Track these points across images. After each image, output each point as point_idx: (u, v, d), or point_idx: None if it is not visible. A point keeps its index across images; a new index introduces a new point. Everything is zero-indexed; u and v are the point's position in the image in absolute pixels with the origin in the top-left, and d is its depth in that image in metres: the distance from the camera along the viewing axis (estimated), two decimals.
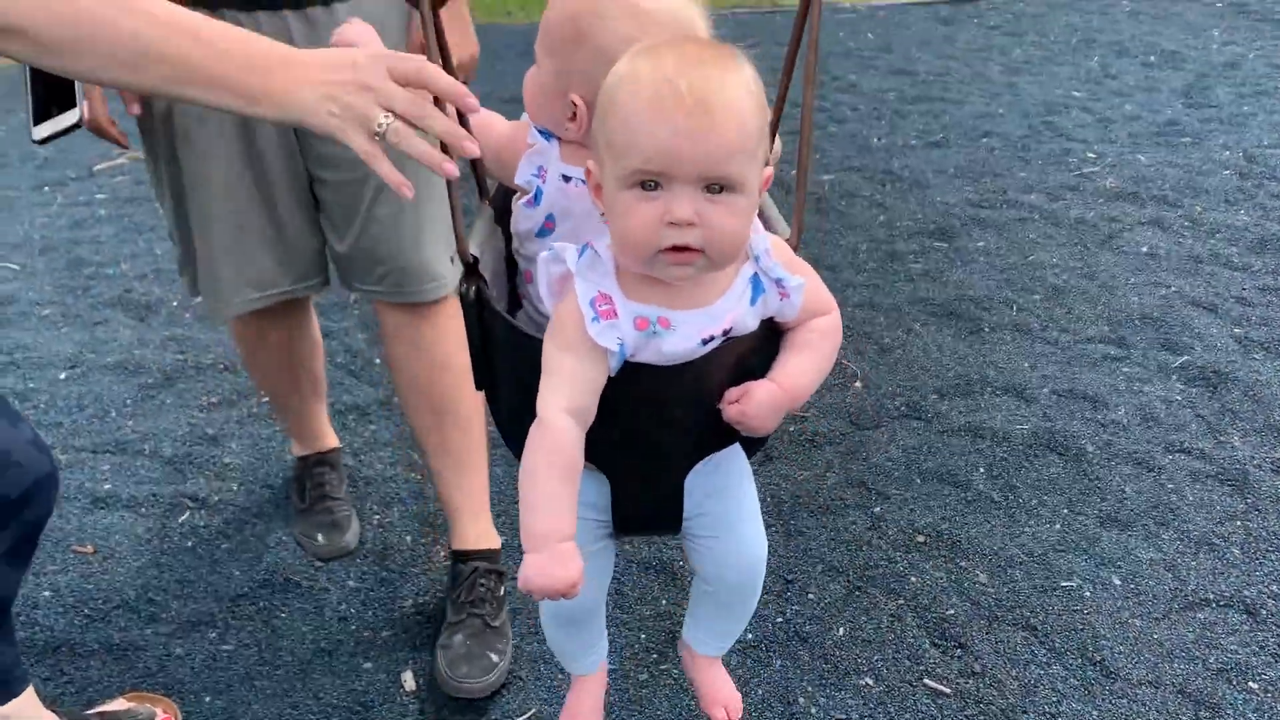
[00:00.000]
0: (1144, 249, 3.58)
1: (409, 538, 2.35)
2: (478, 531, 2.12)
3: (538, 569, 1.07)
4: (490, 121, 1.32)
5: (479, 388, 1.32)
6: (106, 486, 2.50)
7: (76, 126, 1.70)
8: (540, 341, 1.13)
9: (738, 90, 1.03)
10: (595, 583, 1.39)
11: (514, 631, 2.08)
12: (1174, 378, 2.89)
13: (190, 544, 2.32)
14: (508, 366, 1.25)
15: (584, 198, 1.18)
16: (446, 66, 1.19)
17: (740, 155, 1.04)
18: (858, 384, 2.88)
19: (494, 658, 1.96)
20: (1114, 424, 2.69)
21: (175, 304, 3.35)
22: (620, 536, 1.36)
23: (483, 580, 2.06)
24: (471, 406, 2.04)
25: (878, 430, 2.69)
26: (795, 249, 1.23)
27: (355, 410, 2.80)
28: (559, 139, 1.26)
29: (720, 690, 1.53)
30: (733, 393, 1.16)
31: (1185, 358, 2.97)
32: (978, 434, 2.66)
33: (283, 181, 1.82)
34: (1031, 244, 3.64)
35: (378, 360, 3.02)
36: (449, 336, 1.95)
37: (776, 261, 1.14)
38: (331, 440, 2.47)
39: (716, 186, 1.03)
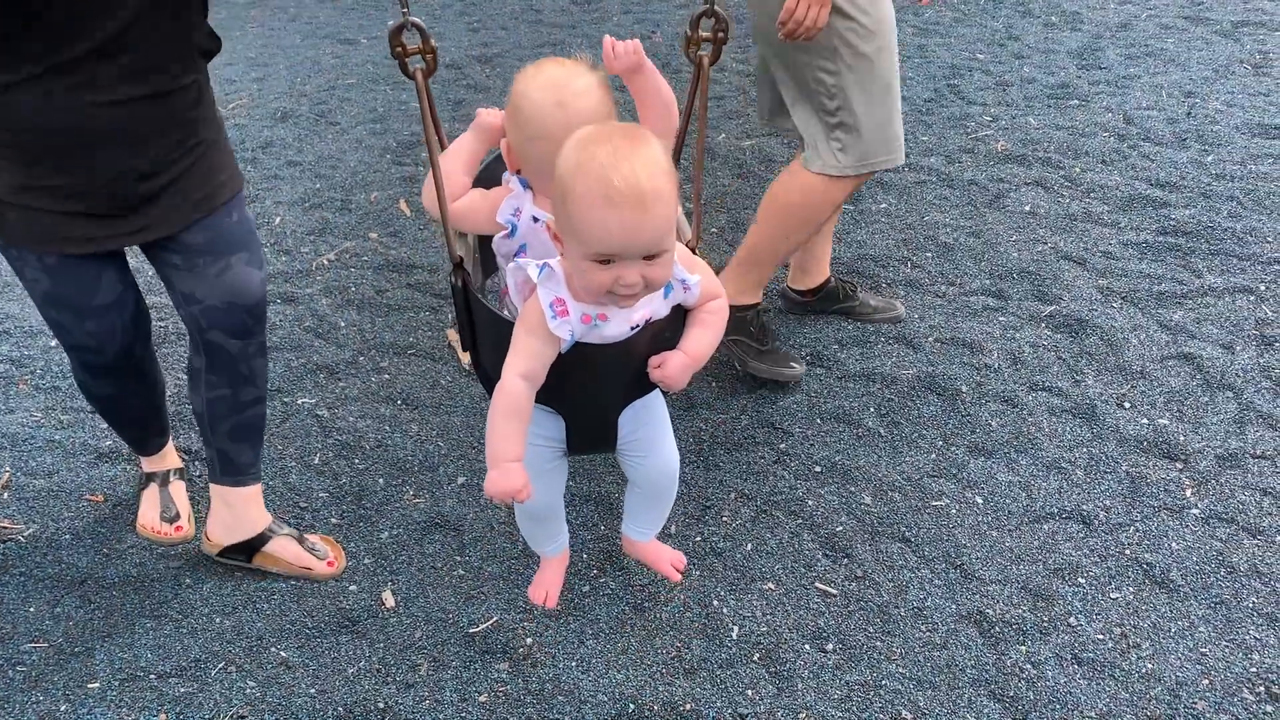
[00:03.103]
0: (1026, 208, 4.02)
1: (380, 480, 2.72)
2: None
3: (494, 480, 1.56)
4: (476, 200, 1.78)
5: (464, 349, 1.79)
6: (108, 443, 2.83)
7: None
8: (507, 322, 1.60)
9: (659, 177, 1.43)
10: (554, 488, 1.92)
11: (476, 555, 2.48)
12: (1043, 325, 3.33)
13: (188, 495, 2.66)
14: (486, 336, 1.71)
15: (546, 233, 1.63)
16: (438, 131, 1.65)
17: (668, 231, 1.46)
18: None
19: None
20: (987, 367, 3.12)
21: (151, 273, 3.63)
22: (571, 455, 1.86)
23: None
24: None
25: None
26: (694, 250, 1.71)
27: (324, 369, 3.14)
28: (532, 189, 1.72)
29: (664, 555, 2.12)
30: (654, 360, 1.64)
31: (1054, 307, 3.41)
32: (870, 379, 3.09)
33: None
34: (928, 205, 4.05)
35: (343, 324, 3.35)
36: None
37: (681, 266, 1.60)
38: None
39: (653, 255, 1.46)
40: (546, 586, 2.12)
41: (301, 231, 3.87)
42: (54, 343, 3.25)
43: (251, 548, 2.41)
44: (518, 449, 1.57)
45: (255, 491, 2.42)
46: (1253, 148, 4.41)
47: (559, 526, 2.07)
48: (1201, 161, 4.30)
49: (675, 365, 1.63)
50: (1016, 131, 4.64)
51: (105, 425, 2.89)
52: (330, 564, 2.43)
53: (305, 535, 2.48)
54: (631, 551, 2.16)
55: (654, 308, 1.59)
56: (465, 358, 1.97)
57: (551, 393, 1.61)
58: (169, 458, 2.63)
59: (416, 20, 1.58)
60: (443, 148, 1.78)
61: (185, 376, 3.09)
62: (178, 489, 2.58)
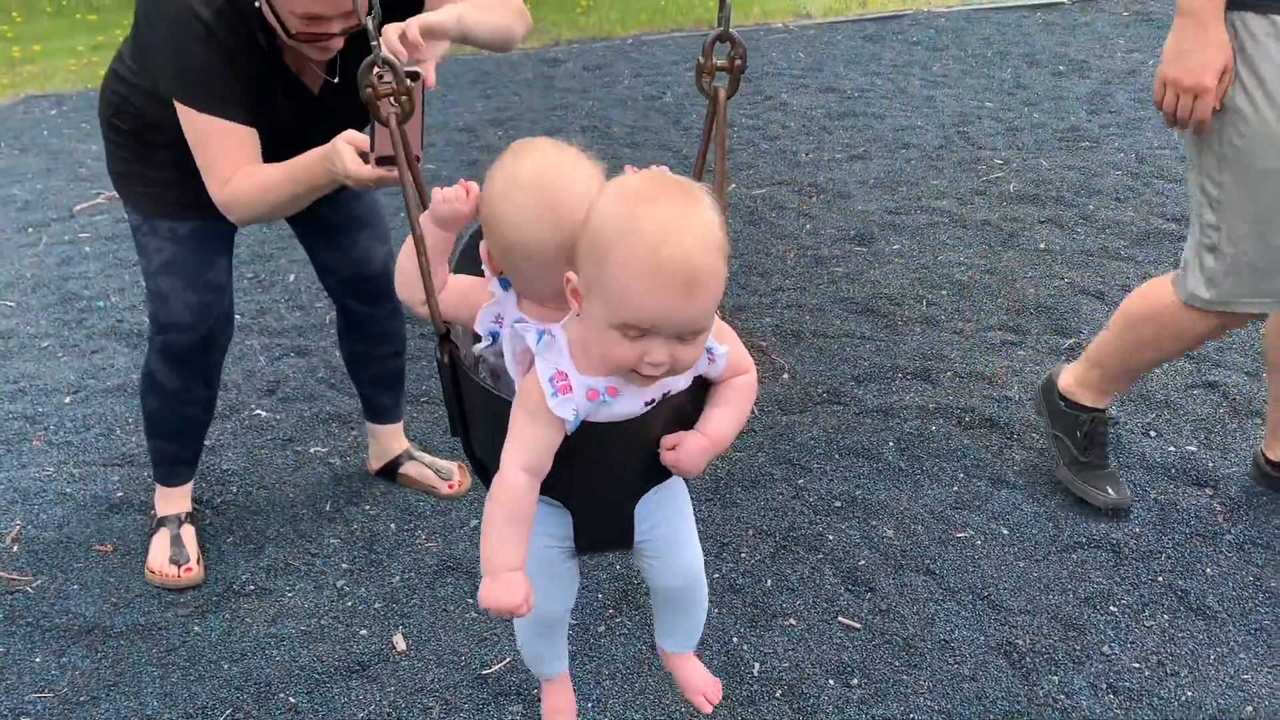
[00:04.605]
0: (1041, 245, 3.99)
1: (393, 525, 2.68)
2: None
3: (489, 592, 1.32)
4: (465, 288, 1.48)
5: (454, 434, 1.55)
6: (119, 494, 2.81)
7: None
8: (504, 400, 1.35)
9: (713, 251, 1.21)
10: (564, 594, 1.64)
11: None
12: (1063, 358, 3.28)
13: (198, 540, 2.63)
14: (480, 417, 1.47)
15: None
16: (414, 174, 1.43)
17: (711, 311, 1.24)
18: (785, 375, 3.25)
19: None
20: (1007, 399, 3.07)
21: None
22: (581, 555, 1.58)
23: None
24: None
25: (803, 414, 3.06)
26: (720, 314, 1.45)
27: (337, 419, 3.12)
28: (516, 292, 1.42)
29: (697, 680, 1.75)
30: (668, 440, 1.38)
31: (1074, 340, 3.36)
32: (888, 414, 3.03)
33: None
34: (941, 245, 4.03)
35: None
36: None
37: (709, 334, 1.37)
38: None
39: (690, 335, 1.24)
40: (562, 713, 1.80)
41: (315, 288, 3.87)
42: (69, 399, 3.26)
43: (391, 470, 2.81)
44: (517, 557, 1.34)
45: (395, 428, 2.82)
46: None
47: (562, 644, 1.77)
48: None
49: (692, 448, 1.38)
50: (1028, 173, 4.64)
51: (116, 478, 2.87)
52: (451, 486, 2.77)
53: (438, 460, 2.83)
54: (667, 665, 1.82)
55: (672, 381, 1.36)
56: None
57: (555, 481, 1.37)
58: (184, 500, 2.61)
59: (389, 56, 1.35)
60: (424, 207, 1.44)
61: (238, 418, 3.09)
62: (188, 533, 2.55)
